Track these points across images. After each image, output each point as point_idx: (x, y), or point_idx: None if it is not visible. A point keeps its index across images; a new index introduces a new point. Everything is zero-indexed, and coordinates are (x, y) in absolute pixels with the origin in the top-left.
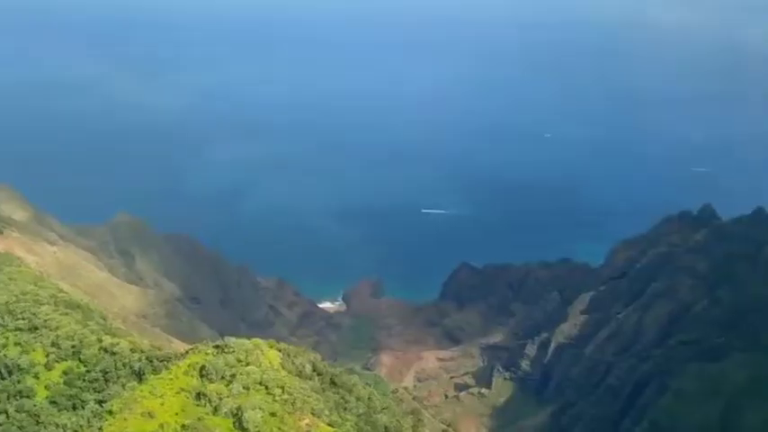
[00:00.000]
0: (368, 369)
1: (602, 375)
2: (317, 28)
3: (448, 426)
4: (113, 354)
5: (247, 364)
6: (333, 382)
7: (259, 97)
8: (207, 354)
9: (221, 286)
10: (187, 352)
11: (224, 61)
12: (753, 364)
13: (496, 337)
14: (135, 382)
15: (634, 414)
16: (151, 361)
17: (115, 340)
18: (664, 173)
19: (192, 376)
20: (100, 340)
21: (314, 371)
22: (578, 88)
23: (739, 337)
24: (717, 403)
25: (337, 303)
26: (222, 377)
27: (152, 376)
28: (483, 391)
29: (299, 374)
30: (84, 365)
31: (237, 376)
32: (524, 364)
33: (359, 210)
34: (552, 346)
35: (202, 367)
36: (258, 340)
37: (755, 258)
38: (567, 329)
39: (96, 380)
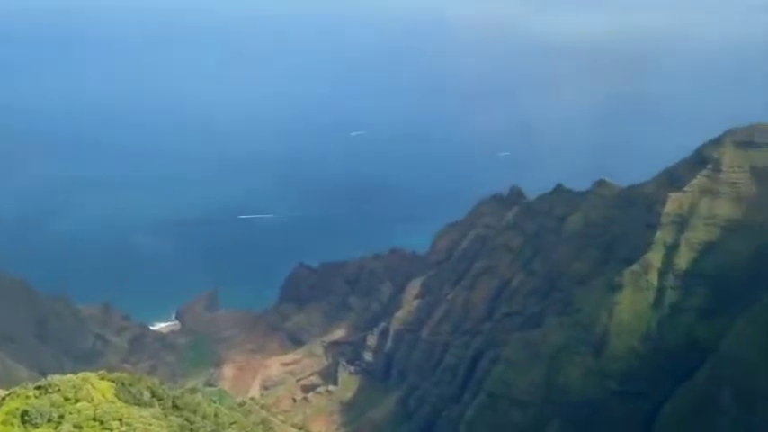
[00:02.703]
0: (211, 385)
1: (440, 356)
2: (123, 29)
3: (300, 429)
4: None
5: (77, 401)
6: (175, 405)
7: (58, 109)
8: (28, 396)
9: (37, 320)
10: (4, 398)
11: (15, 68)
12: (566, 325)
13: (339, 334)
14: None
15: (473, 387)
16: None
17: None
18: (473, 160)
19: (12, 424)
20: None
21: (153, 396)
22: (388, 85)
23: (553, 304)
24: (541, 365)
25: (171, 323)
26: (49, 420)
27: None
28: (330, 388)
29: (138, 403)
30: None
31: (66, 416)
32: (367, 356)
33: (177, 223)
34: (391, 333)
35: (24, 412)
36: (87, 373)
37: (559, 231)
38: (403, 316)
39: None
